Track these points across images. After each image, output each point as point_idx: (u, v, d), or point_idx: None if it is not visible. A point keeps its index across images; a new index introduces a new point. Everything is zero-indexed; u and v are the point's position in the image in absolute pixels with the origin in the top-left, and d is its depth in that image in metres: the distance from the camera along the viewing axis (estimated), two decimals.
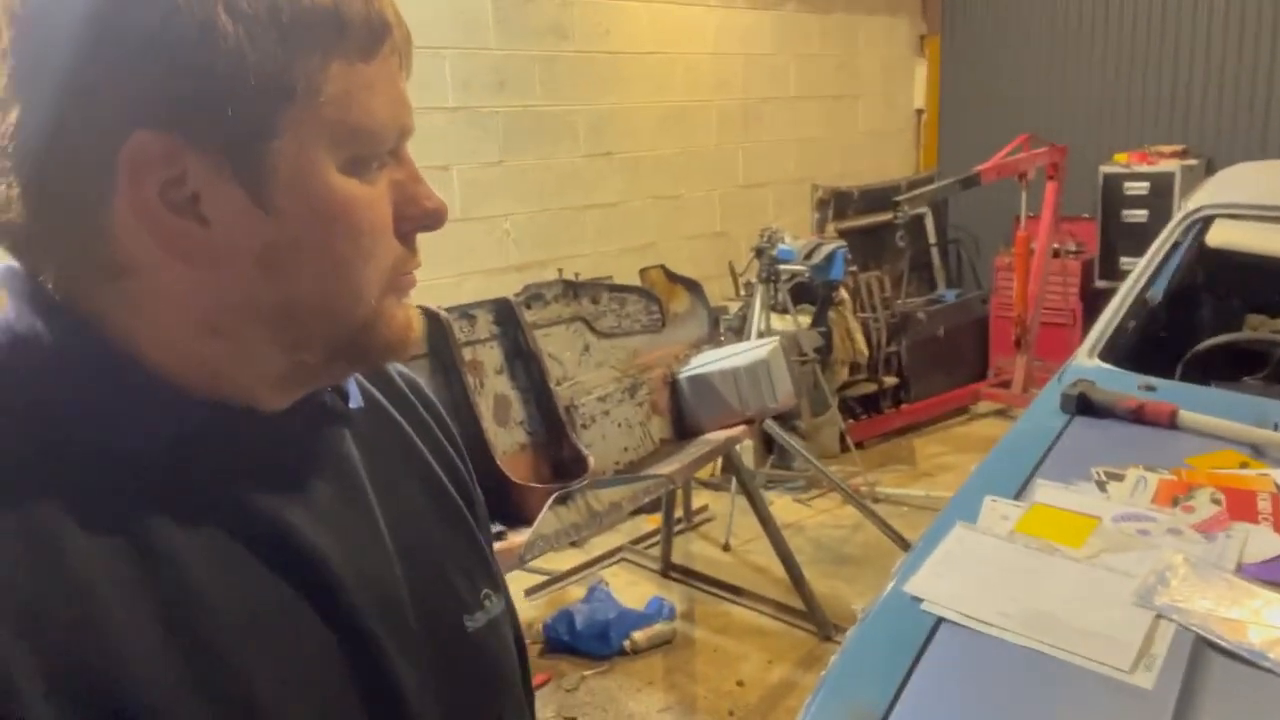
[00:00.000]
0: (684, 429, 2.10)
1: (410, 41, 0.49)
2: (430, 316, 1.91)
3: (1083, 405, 1.74)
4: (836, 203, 4.78)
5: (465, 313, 2.03)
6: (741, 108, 4.61)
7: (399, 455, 0.60)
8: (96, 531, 0.44)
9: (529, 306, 2.11)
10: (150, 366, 0.47)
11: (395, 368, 0.66)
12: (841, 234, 4.48)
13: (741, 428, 2.11)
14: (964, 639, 1.17)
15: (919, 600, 1.25)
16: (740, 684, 2.63)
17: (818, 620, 2.83)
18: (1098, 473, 1.51)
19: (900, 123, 5.58)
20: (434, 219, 0.51)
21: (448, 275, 3.51)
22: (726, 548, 3.39)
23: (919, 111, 5.65)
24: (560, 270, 2.40)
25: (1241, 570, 1.25)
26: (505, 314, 2.07)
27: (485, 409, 1.94)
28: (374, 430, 0.58)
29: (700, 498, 3.69)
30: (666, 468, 1.96)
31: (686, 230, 4.39)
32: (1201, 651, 1.11)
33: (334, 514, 0.52)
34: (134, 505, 0.45)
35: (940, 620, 1.20)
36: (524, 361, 2.05)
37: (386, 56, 0.47)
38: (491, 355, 2.02)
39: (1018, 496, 1.47)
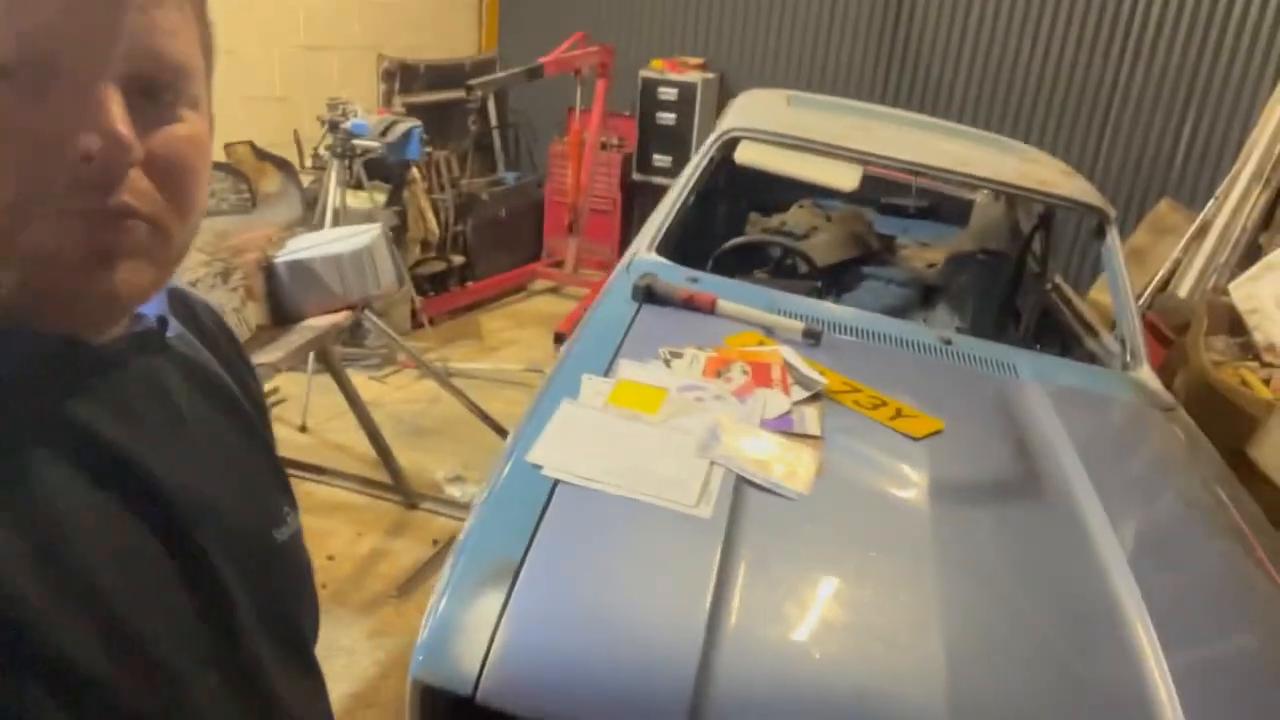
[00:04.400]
0: (282, 315, 2.06)
1: None
2: None
3: (648, 295, 2.09)
4: (403, 76, 4.72)
5: None
6: None
7: (205, 381, 0.64)
8: None
9: None
10: None
11: (194, 298, 0.67)
12: (409, 109, 4.46)
13: (344, 313, 2.13)
14: (577, 494, 1.42)
15: (539, 467, 1.47)
16: (330, 558, 2.72)
17: (404, 490, 3.00)
18: (664, 352, 1.86)
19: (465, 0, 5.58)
20: (76, 151, 0.47)
21: None
22: (304, 428, 3.37)
23: None
24: None
25: (763, 424, 1.68)
26: None
27: None
28: (184, 357, 0.61)
29: (269, 381, 3.57)
30: (268, 356, 1.92)
31: (242, 91, 4.00)
32: (741, 487, 1.49)
33: (160, 437, 0.56)
34: None
35: (557, 481, 1.44)
36: None
37: None
38: None
39: (607, 373, 1.76)
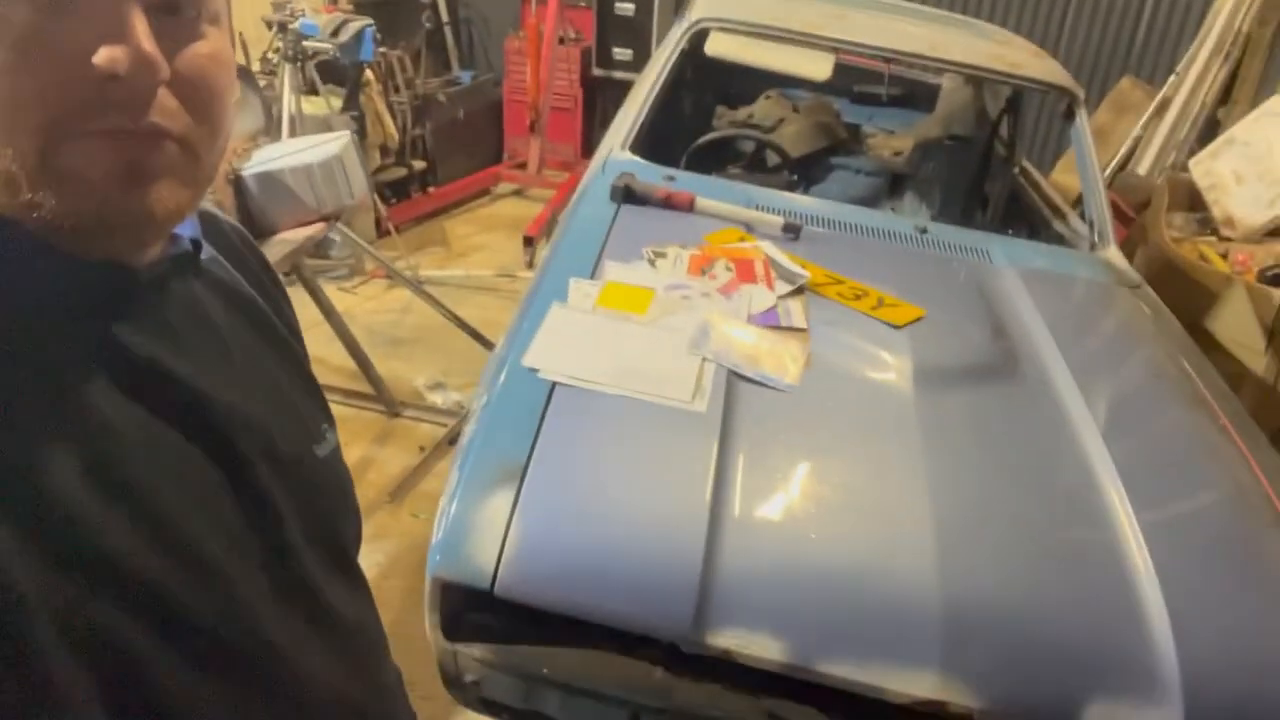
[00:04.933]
0: (254, 229, 2.02)
1: None
2: None
3: (627, 195, 2.07)
4: None
5: None
6: None
7: (240, 301, 0.64)
8: (12, 382, 0.49)
9: None
10: (23, 228, 0.50)
11: (225, 221, 0.67)
12: (357, 6, 4.28)
13: (319, 225, 2.10)
14: (574, 396, 1.45)
15: (535, 370, 1.49)
16: None
17: (385, 400, 3.01)
18: (648, 252, 1.87)
19: None
20: (102, 72, 0.47)
21: None
22: None
23: None
24: None
25: (751, 319, 1.71)
26: None
27: None
28: (219, 279, 0.62)
29: None
30: None
31: None
32: (733, 381, 1.53)
33: (201, 356, 0.58)
34: (41, 357, 0.50)
35: (555, 384, 1.47)
36: None
37: None
38: None
39: (593, 276, 1.77)
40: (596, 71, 5.18)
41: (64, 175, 0.48)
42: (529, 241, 4.00)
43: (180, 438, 0.55)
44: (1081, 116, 2.44)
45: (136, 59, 0.47)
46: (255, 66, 3.68)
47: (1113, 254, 2.27)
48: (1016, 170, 2.99)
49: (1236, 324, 2.57)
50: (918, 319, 1.78)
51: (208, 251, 0.62)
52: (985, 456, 1.50)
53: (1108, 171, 4.05)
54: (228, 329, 0.61)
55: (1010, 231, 2.52)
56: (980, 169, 3.09)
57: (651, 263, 1.84)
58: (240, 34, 3.74)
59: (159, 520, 0.52)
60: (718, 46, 2.47)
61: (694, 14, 2.57)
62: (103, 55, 0.47)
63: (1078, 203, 2.75)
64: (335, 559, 0.68)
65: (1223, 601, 1.31)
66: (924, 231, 2.17)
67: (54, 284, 0.51)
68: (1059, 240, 2.44)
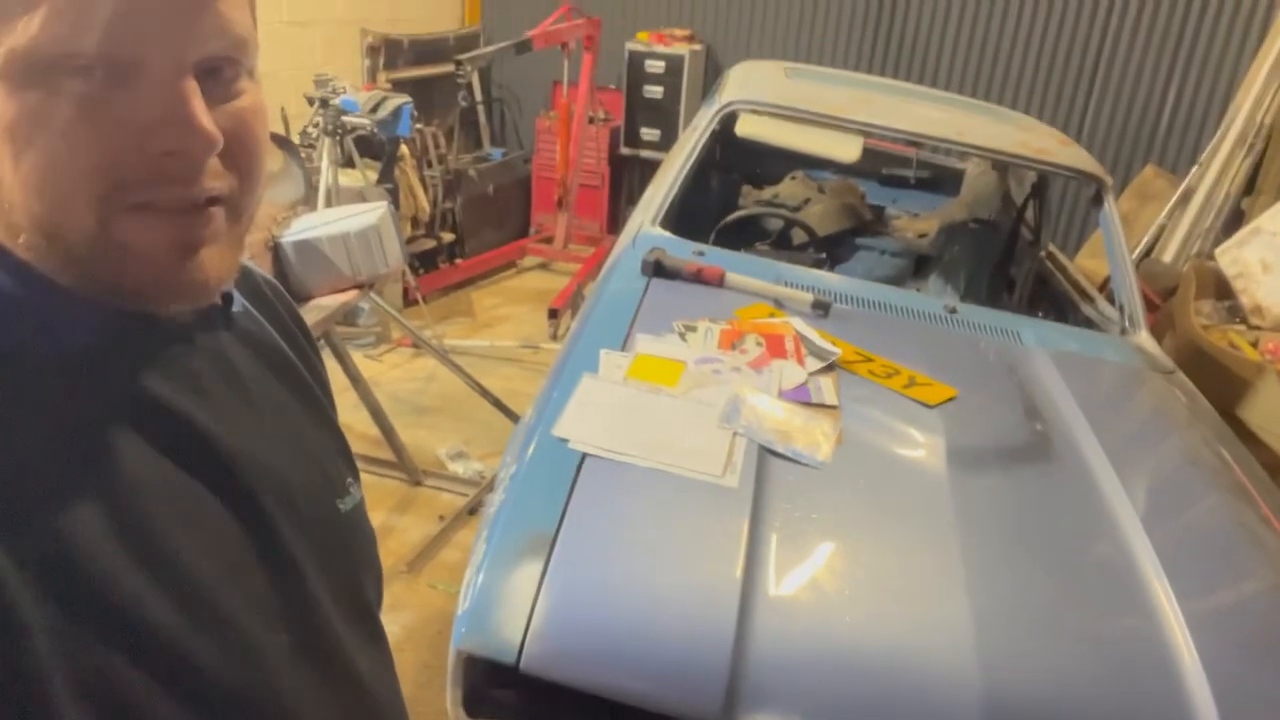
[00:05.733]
0: (291, 293, 2.05)
1: None
2: None
3: (658, 269, 2.10)
4: (387, 51, 4.67)
5: None
6: None
7: (269, 355, 0.65)
8: (41, 433, 0.49)
9: None
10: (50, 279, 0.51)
11: (258, 273, 0.68)
12: (394, 85, 4.42)
13: (354, 292, 2.13)
14: (605, 467, 1.44)
15: (565, 440, 1.49)
16: None
17: (408, 468, 3.00)
18: (678, 326, 1.88)
19: None
20: (162, 147, 0.48)
21: None
22: None
23: None
24: None
25: (781, 395, 1.70)
26: None
27: None
28: (249, 331, 0.63)
29: None
30: None
31: None
32: (764, 457, 1.52)
33: (228, 410, 0.58)
34: (69, 408, 0.50)
35: (585, 455, 1.46)
36: None
37: None
38: None
39: (624, 348, 1.77)
40: (624, 150, 5.30)
41: (123, 248, 0.49)
42: (554, 314, 4.03)
43: (203, 491, 0.55)
44: (1109, 202, 2.46)
45: (197, 135, 0.48)
46: (295, 139, 3.79)
47: (1144, 339, 2.25)
48: (1043, 254, 3.00)
49: (1269, 412, 2.53)
50: (950, 399, 1.76)
51: (238, 303, 0.63)
52: (1022, 539, 1.46)
53: (1133, 258, 4.06)
54: (255, 381, 0.61)
55: (1040, 314, 2.52)
56: (1005, 252, 3.11)
57: (682, 336, 1.85)
58: (283, 108, 3.87)
59: (179, 574, 0.51)
60: (748, 128, 2.52)
61: (725, 96, 2.63)
62: (166, 136, 0.48)
63: (1103, 287, 2.75)
64: (359, 615, 0.67)
65: (1274, 697, 1.25)
66: (953, 312, 2.17)
67: (80, 334, 0.52)
68: (1088, 324, 2.43)
